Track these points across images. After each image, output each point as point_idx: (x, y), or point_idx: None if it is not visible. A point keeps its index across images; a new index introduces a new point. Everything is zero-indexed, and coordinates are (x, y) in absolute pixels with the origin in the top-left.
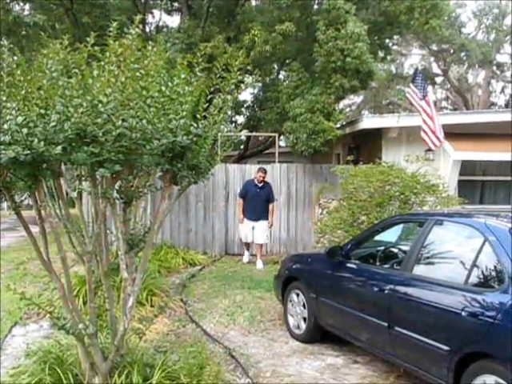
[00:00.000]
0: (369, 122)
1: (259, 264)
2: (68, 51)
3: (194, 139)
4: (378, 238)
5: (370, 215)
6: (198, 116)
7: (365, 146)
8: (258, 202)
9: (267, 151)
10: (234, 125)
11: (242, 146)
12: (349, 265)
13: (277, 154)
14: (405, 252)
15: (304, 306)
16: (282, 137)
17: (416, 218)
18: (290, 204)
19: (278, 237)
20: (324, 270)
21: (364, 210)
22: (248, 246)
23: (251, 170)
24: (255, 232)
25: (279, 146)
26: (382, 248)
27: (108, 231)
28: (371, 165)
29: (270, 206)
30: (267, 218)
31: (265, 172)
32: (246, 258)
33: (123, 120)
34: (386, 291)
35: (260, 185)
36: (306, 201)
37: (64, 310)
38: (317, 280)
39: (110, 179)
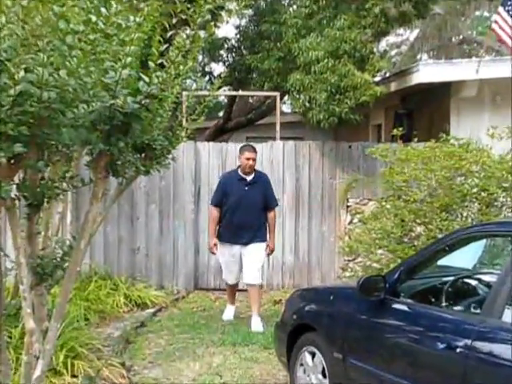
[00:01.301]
0: (429, 72)
1: (256, 323)
2: None
3: (145, 102)
4: (443, 262)
5: (431, 225)
6: (151, 64)
7: (422, 111)
8: (247, 210)
9: (262, 121)
10: (208, 78)
11: (221, 114)
12: (396, 306)
13: (278, 126)
14: (489, 286)
15: (323, 372)
16: (286, 98)
17: (508, 230)
18: (299, 208)
19: (281, 261)
20: (356, 314)
21: (421, 216)
22: (233, 291)
23: (236, 152)
24: (245, 265)
25: (282, 113)
26: (451, 279)
27: (1, 253)
28: (432, 143)
29: (270, 216)
30: (264, 239)
31: (254, 152)
32: (229, 312)
33: (27, 70)
34: (459, 350)
35: (249, 178)
36: (324, 202)
37: None
38: (344, 331)
39: (5, 167)
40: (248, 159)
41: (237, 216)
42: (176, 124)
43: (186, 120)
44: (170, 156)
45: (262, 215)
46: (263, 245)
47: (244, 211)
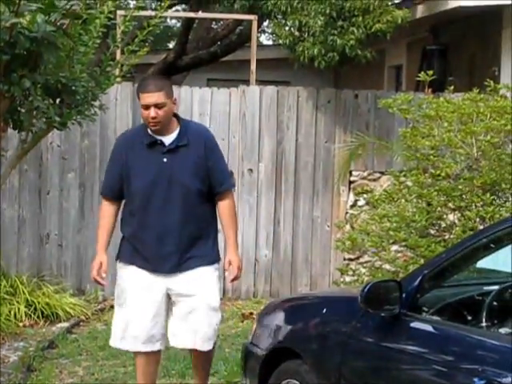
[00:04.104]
0: None
1: None
2: None
3: (62, 23)
4: (486, 264)
5: (470, 211)
6: None
7: (461, 49)
8: (172, 202)
9: (230, 57)
10: None
11: (172, 45)
12: (417, 325)
13: (253, 65)
14: None
15: None
16: (265, 24)
17: None
18: (280, 183)
19: (253, 258)
20: (358, 335)
21: (455, 198)
22: (149, 364)
23: (193, 100)
24: (181, 318)
25: (259, 46)
26: (497, 288)
27: None
28: (475, 93)
29: (224, 206)
30: (215, 256)
31: (157, 90)
32: None
33: None
34: None
35: (168, 140)
36: (318, 175)
37: None
38: (341, 359)
39: None
40: (147, 107)
41: (153, 216)
42: (106, 58)
43: (122, 52)
44: (97, 103)
45: (205, 209)
46: (214, 269)
47: (166, 205)
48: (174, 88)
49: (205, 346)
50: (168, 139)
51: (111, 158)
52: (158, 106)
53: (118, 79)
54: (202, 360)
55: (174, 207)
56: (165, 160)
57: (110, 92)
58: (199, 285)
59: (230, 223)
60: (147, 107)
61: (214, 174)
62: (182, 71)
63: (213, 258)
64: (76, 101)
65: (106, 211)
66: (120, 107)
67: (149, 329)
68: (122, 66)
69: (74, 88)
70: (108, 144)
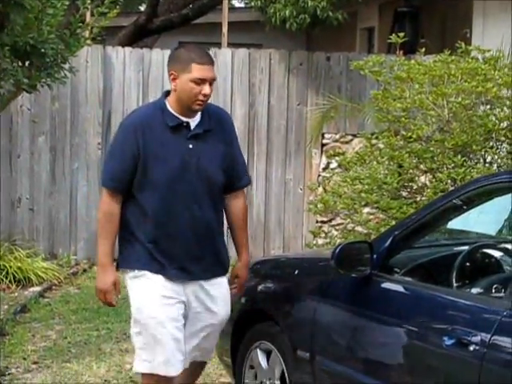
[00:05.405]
0: None
1: None
2: None
3: None
4: (456, 224)
5: (441, 173)
6: None
7: (433, 10)
8: (198, 196)
9: (202, 20)
10: None
11: (143, 7)
12: (388, 285)
13: (225, 28)
14: None
15: (283, 377)
16: None
17: None
18: (253, 146)
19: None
20: (330, 296)
21: (427, 160)
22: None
23: (164, 63)
24: (197, 332)
25: (231, 9)
26: (467, 249)
27: None
28: (446, 55)
29: (237, 206)
30: (228, 262)
31: (212, 64)
32: None
33: None
34: (473, 347)
35: (194, 122)
36: (290, 138)
37: None
38: (313, 320)
39: None
40: (202, 82)
41: (177, 213)
42: (76, 20)
43: (92, 14)
44: (67, 66)
45: (221, 206)
46: (227, 279)
47: (194, 200)
48: (146, 51)
49: (210, 356)
50: (193, 121)
51: (120, 142)
52: (212, 82)
53: (88, 41)
54: (202, 368)
55: (202, 203)
56: (191, 146)
57: (80, 54)
58: (220, 301)
59: (245, 227)
60: (202, 81)
61: (235, 166)
62: (153, 34)
63: (228, 266)
64: (45, 63)
65: (110, 211)
66: (90, 70)
67: (179, 348)
68: (91, 28)
69: (42, 50)
70: (78, 107)
